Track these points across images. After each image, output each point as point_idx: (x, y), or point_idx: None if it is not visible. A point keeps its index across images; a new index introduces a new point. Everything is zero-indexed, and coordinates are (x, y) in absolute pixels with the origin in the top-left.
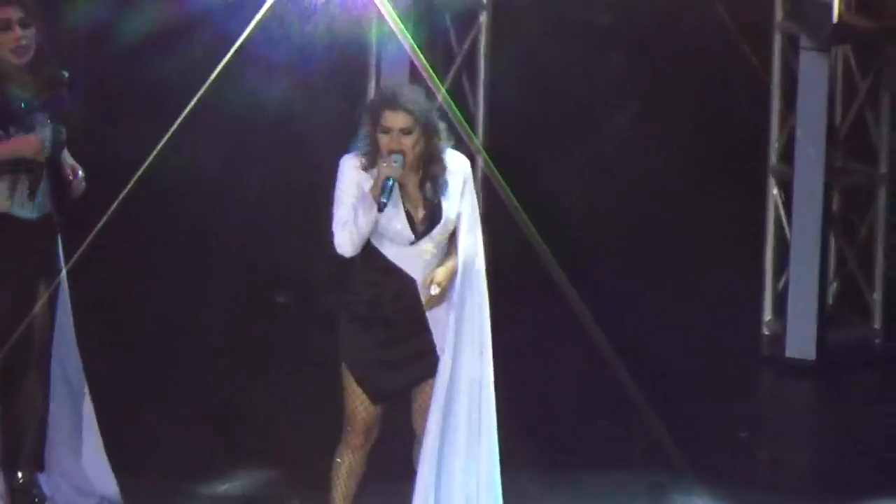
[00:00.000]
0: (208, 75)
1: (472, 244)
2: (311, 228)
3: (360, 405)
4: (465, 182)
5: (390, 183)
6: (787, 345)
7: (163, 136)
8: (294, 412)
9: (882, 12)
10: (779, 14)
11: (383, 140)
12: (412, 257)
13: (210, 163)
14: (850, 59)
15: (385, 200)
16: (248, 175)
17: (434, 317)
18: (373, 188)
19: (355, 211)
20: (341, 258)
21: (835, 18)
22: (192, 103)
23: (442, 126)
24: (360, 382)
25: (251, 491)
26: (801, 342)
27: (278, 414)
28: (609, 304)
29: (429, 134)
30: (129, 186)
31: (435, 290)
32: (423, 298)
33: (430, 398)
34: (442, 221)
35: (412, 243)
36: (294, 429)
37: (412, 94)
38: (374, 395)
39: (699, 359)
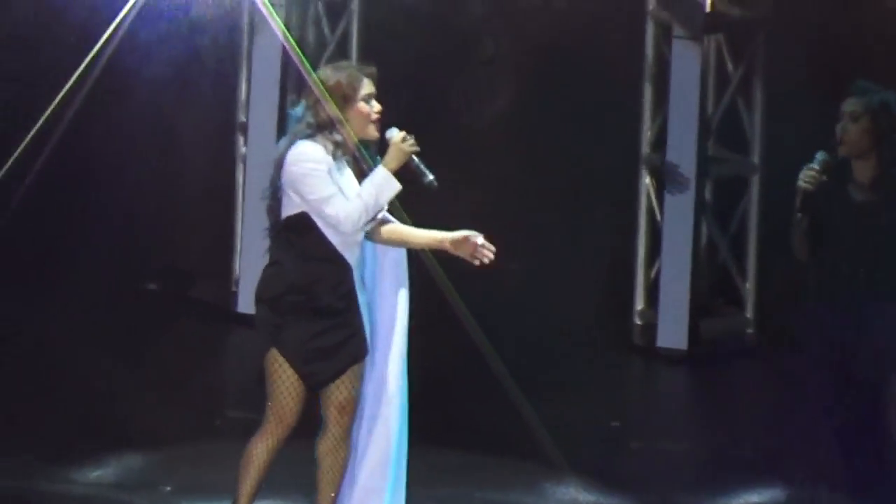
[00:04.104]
0: (82, 61)
1: None
2: (183, 216)
3: (292, 396)
4: None
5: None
6: (659, 334)
7: (34, 124)
8: (165, 398)
9: (754, 1)
10: (651, 2)
11: (366, 108)
12: (353, 245)
13: (77, 150)
14: (723, 48)
15: (432, 176)
16: (117, 162)
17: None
18: (406, 168)
19: (377, 190)
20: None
21: (707, 7)
22: (64, 90)
23: None
24: (298, 372)
25: (123, 477)
26: (673, 332)
27: (149, 400)
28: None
29: None
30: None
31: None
32: (482, 255)
33: (350, 383)
34: None
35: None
36: (165, 415)
37: None
38: (312, 385)
39: (572, 349)
